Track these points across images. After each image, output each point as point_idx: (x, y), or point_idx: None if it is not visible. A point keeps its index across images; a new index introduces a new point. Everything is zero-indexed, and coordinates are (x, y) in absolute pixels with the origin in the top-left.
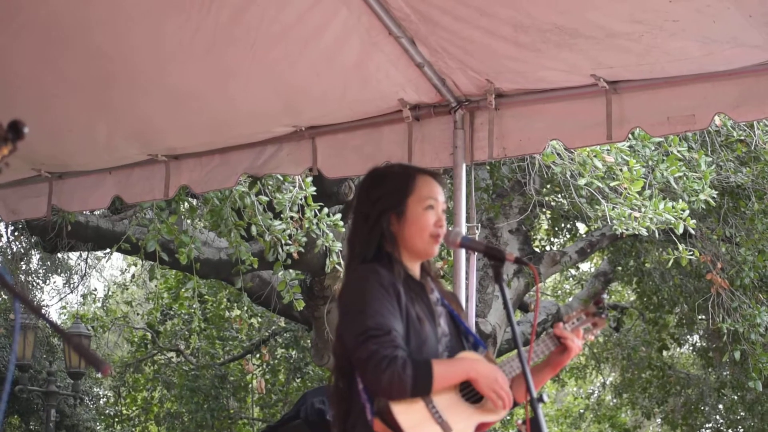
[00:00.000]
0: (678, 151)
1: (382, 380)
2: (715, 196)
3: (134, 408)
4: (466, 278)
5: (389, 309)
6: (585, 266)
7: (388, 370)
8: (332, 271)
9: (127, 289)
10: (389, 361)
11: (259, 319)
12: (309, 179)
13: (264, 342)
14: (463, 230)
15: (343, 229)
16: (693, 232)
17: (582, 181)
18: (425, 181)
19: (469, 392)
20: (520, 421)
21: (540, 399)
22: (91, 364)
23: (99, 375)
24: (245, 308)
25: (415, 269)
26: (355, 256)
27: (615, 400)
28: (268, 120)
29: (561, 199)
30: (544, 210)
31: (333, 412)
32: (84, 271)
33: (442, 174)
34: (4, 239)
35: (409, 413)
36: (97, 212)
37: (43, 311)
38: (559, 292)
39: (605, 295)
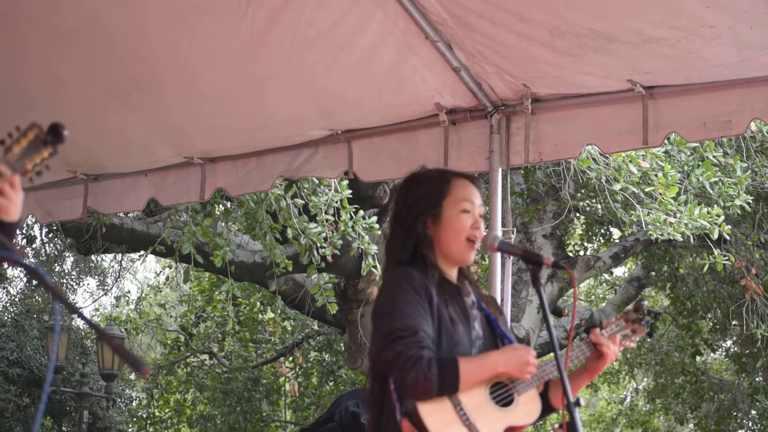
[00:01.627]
0: (713, 157)
1: (408, 380)
2: (750, 201)
3: (167, 410)
4: (501, 282)
5: (419, 311)
6: (619, 271)
7: (413, 370)
8: (367, 274)
9: (160, 291)
10: (415, 361)
11: (293, 323)
12: (345, 182)
13: (297, 345)
14: (499, 234)
15: (379, 232)
16: (728, 237)
17: (617, 186)
18: (461, 184)
19: (499, 395)
20: (557, 425)
21: (577, 403)
22: (131, 365)
23: (137, 376)
24: (279, 311)
25: (452, 273)
26: (391, 260)
27: (648, 406)
28: (303, 124)
29: (595, 204)
30: (578, 215)
31: (368, 414)
32: (118, 273)
33: (480, 180)
34: (39, 241)
35: (436, 415)
36: (131, 214)
37: (83, 312)
38: (593, 297)
39: (644, 303)
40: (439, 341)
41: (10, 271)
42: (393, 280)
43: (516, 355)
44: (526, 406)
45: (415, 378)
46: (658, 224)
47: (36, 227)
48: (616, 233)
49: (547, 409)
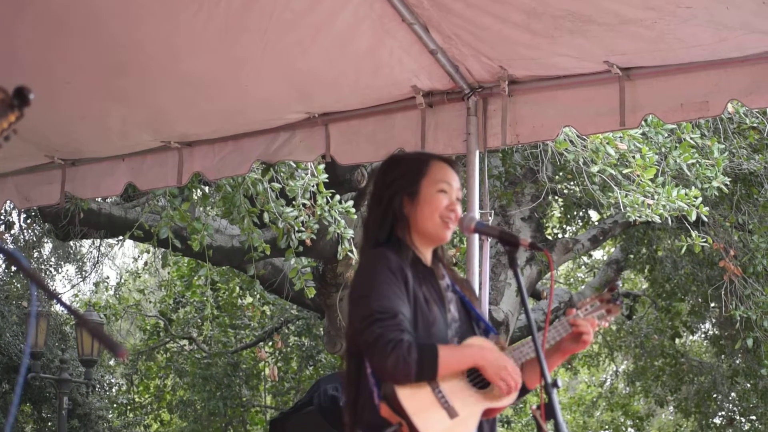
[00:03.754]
0: (691, 138)
1: (387, 364)
2: (728, 183)
3: (147, 396)
4: (479, 265)
5: (396, 293)
6: (597, 254)
7: (392, 353)
8: (344, 258)
9: (139, 276)
10: (394, 345)
11: (272, 307)
12: (321, 166)
13: (276, 330)
14: (477, 216)
15: (355, 216)
16: (706, 219)
17: (595, 169)
18: (439, 166)
19: (477, 378)
20: (534, 407)
21: (554, 384)
22: (108, 348)
23: (115, 359)
24: (257, 296)
25: (426, 255)
26: (368, 240)
27: (628, 388)
28: (280, 107)
29: (573, 187)
30: (556, 197)
31: (344, 396)
32: (96, 259)
33: (458, 164)
34: (17, 227)
35: (414, 397)
36: (109, 200)
37: (59, 296)
38: (572, 279)
39: (619, 282)
40: (415, 322)
41: None
42: (370, 261)
43: (495, 357)
44: None
45: (395, 362)
46: (636, 206)
47: (14, 213)
48: (594, 216)
49: (521, 390)
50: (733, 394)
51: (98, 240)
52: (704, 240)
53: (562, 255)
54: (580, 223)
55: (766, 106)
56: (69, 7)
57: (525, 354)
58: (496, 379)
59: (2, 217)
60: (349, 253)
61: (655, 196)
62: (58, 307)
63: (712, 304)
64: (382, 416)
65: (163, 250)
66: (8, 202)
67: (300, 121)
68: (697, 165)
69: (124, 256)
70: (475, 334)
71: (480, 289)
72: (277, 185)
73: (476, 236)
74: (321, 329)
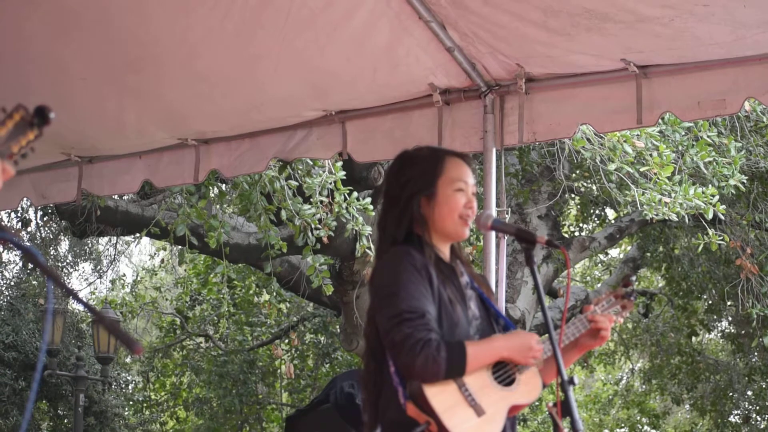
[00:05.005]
0: (708, 136)
1: (417, 363)
2: (745, 181)
3: (163, 393)
4: (496, 263)
5: (422, 292)
6: (614, 252)
7: (422, 353)
8: (362, 255)
9: (155, 274)
10: (423, 344)
11: (288, 305)
12: (339, 163)
13: (293, 327)
14: (493, 214)
15: (373, 214)
16: (722, 217)
17: (612, 167)
18: (455, 163)
19: (501, 375)
20: (551, 404)
21: (571, 381)
22: (125, 344)
23: (132, 356)
24: (274, 293)
25: (445, 252)
26: (385, 239)
27: (644, 386)
28: (297, 104)
29: (590, 185)
30: (573, 195)
31: (364, 395)
32: (113, 257)
33: (472, 158)
34: (34, 224)
35: (442, 396)
36: (126, 197)
37: (76, 293)
38: (588, 278)
39: (633, 278)
40: (440, 321)
41: (6, 255)
42: (394, 259)
43: (520, 341)
44: (528, 385)
45: (424, 361)
46: (653, 204)
47: (31, 210)
48: (611, 214)
49: None
50: (749, 392)
51: (115, 237)
52: (721, 238)
53: (578, 253)
54: (597, 221)
55: None
56: (84, 4)
57: (544, 351)
58: (527, 360)
59: (19, 214)
60: (367, 250)
61: (672, 194)
62: (74, 305)
63: (729, 302)
64: (408, 416)
65: (179, 247)
66: (25, 199)
67: (317, 118)
68: (714, 163)
69: (141, 253)
70: (494, 331)
71: (497, 286)
72: (294, 183)
73: (493, 234)
74: (337, 327)
